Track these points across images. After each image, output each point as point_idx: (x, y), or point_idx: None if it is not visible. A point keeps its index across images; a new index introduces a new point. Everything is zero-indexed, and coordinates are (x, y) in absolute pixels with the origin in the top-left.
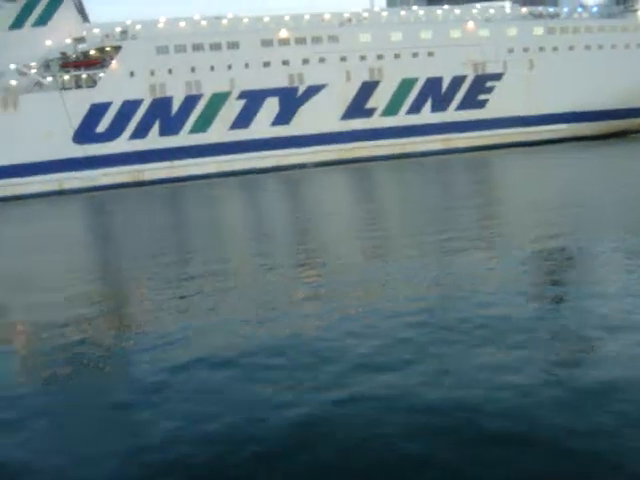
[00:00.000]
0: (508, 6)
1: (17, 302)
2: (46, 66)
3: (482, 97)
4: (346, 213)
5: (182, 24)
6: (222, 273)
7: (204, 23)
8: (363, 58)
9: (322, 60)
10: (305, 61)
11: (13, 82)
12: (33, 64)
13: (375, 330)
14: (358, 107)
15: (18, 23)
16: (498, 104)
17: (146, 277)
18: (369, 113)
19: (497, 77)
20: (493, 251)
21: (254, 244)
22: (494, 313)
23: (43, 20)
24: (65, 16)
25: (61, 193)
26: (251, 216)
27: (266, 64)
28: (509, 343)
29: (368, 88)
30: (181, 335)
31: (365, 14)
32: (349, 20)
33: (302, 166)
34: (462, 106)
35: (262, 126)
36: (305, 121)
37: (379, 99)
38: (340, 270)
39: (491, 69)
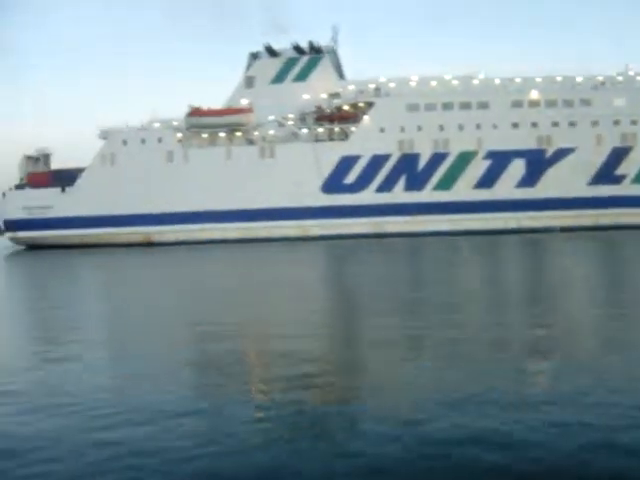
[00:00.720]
0: None
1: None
2: (302, 119)
3: None
4: (589, 284)
5: (433, 83)
6: (460, 340)
7: (455, 83)
8: (616, 123)
9: (572, 124)
10: (555, 124)
11: (271, 132)
12: (290, 116)
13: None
14: (607, 173)
15: (279, 78)
16: None
17: (379, 336)
18: (618, 180)
19: None
20: None
21: (488, 310)
22: None
23: (302, 76)
24: (323, 73)
25: (305, 239)
26: (489, 278)
27: (514, 125)
28: None
29: (619, 154)
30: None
31: (619, 77)
32: (602, 83)
33: (546, 230)
34: None
35: (506, 187)
36: (552, 184)
37: (630, 166)
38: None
39: None
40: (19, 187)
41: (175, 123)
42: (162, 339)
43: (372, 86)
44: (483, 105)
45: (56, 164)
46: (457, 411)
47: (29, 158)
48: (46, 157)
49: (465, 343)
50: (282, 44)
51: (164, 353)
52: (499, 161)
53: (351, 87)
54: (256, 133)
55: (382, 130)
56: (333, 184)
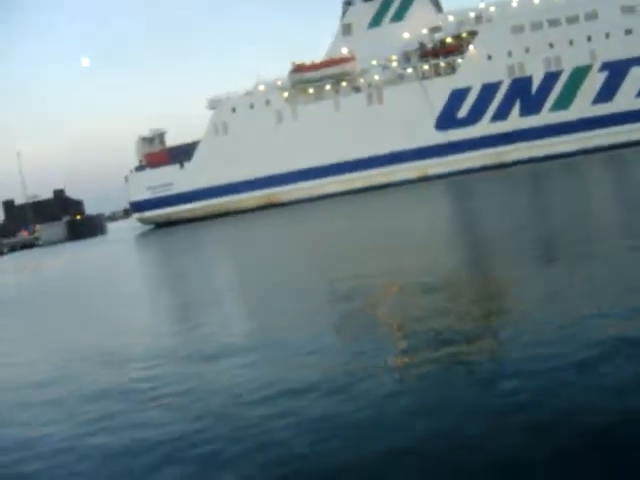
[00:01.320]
0: None
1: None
2: (406, 58)
3: None
4: None
5: (536, 0)
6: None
7: None
8: None
9: None
10: None
11: (376, 77)
12: (393, 58)
13: None
14: None
15: (376, 21)
16: None
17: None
18: None
19: None
20: None
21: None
22: None
23: (400, 15)
24: (420, 8)
25: (425, 179)
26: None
27: (628, 32)
28: None
29: None
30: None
31: None
32: None
33: None
34: None
35: (628, 97)
36: None
37: None
38: None
39: None
40: (139, 169)
41: (280, 83)
42: (301, 299)
43: (472, 14)
44: (591, 16)
45: (170, 141)
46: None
47: (144, 139)
48: (161, 136)
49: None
50: None
51: (303, 313)
52: (616, 72)
53: (451, 18)
54: (361, 80)
55: (489, 57)
56: (446, 120)
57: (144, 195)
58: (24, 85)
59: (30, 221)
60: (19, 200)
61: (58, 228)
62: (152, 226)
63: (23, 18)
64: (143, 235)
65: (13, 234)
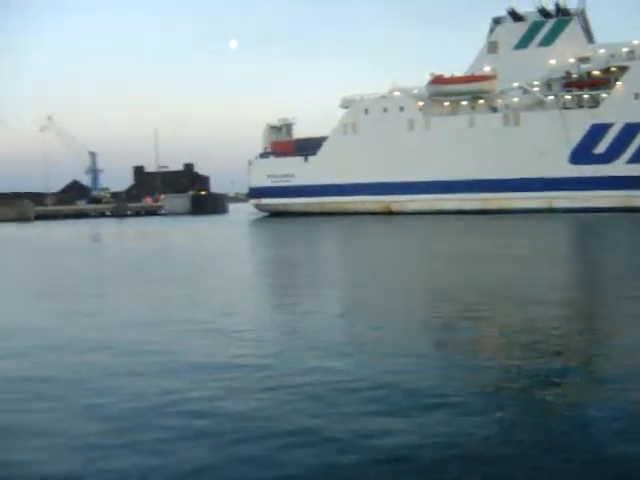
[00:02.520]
0: None
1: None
2: (548, 85)
3: None
4: None
5: None
6: None
7: None
8: None
9: None
10: None
11: (515, 99)
12: (536, 83)
13: None
14: None
15: (524, 43)
16: None
17: None
18: None
19: None
20: None
21: None
22: None
23: (549, 40)
24: (571, 36)
25: (551, 211)
26: None
27: None
28: None
29: None
30: None
31: None
32: None
33: None
34: None
35: None
36: None
37: None
38: None
39: None
40: (263, 155)
41: (415, 91)
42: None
43: (625, 49)
44: None
45: (297, 133)
46: None
47: (272, 128)
48: (288, 127)
49: None
50: (525, 8)
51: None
52: None
53: (602, 51)
54: (499, 100)
55: (637, 96)
56: (582, 154)
57: (264, 182)
58: (168, 61)
59: (157, 189)
60: (150, 169)
61: (182, 200)
62: (266, 213)
63: None
64: (259, 221)
65: (138, 200)
